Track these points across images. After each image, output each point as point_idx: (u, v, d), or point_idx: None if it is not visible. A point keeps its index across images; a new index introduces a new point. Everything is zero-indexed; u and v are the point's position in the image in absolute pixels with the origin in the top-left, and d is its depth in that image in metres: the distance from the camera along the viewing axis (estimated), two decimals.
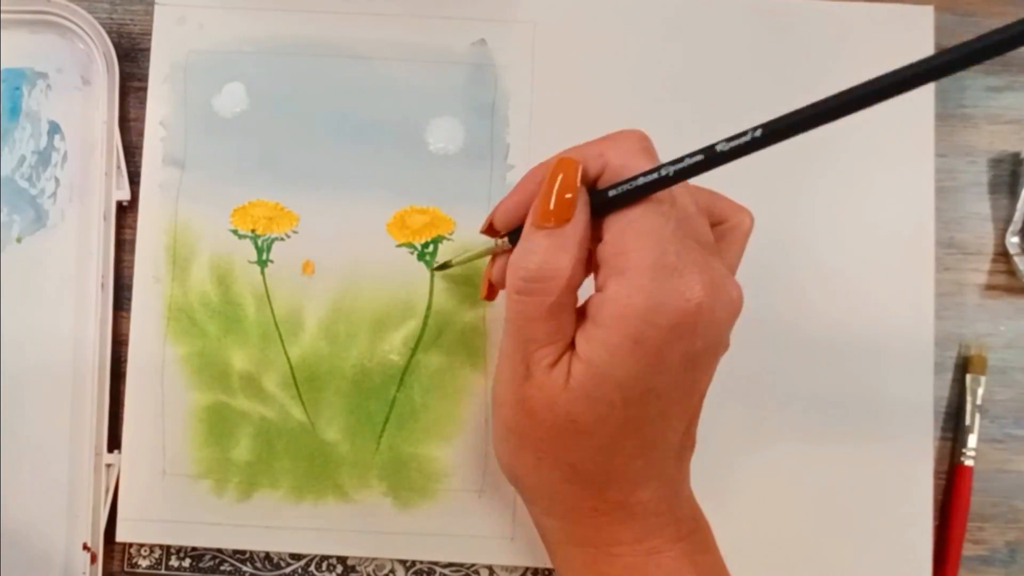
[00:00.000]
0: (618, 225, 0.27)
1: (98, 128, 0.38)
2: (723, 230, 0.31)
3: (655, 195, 0.26)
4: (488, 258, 0.33)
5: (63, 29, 0.38)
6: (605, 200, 0.27)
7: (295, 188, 0.38)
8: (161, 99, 0.38)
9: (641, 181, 0.26)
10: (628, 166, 0.27)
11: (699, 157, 0.24)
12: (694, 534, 0.30)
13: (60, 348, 0.37)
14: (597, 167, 0.27)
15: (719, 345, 0.28)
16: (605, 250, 0.27)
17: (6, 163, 0.38)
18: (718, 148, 0.24)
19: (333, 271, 0.38)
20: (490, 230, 0.32)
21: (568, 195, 0.27)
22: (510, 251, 0.29)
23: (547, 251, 0.27)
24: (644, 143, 0.28)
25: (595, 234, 0.28)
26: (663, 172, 0.25)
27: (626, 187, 0.26)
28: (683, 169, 0.25)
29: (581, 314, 0.28)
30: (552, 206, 0.27)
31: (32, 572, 0.36)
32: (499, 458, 0.31)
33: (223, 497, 0.37)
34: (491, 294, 0.34)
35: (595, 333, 0.26)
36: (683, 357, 0.26)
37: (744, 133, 0.23)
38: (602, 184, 0.27)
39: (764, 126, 0.23)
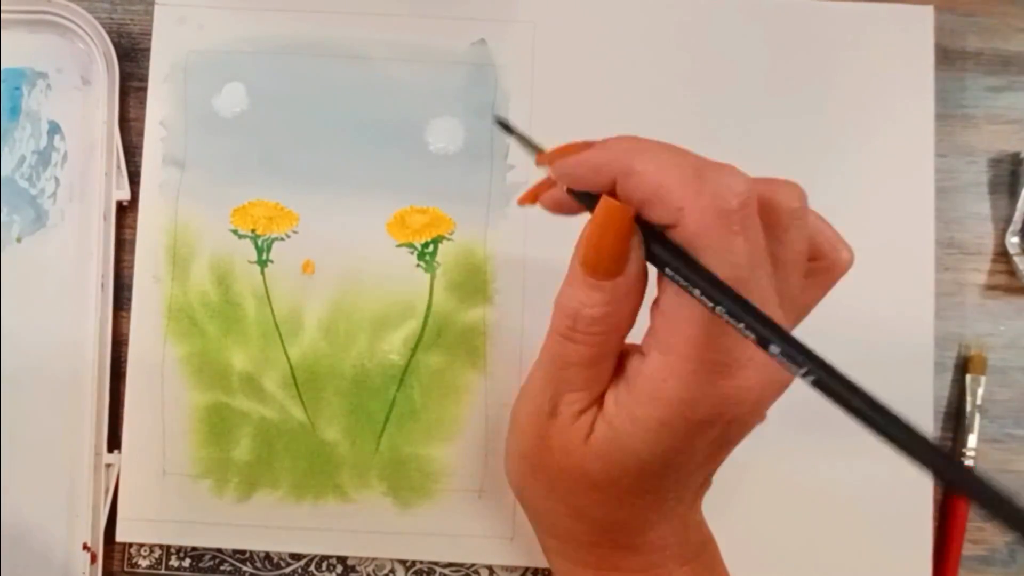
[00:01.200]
0: (674, 299, 0.24)
1: (98, 128, 0.38)
2: (814, 268, 0.27)
3: None
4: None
5: (63, 29, 0.38)
6: (663, 259, 0.24)
7: (295, 188, 0.38)
8: (161, 99, 0.38)
9: (697, 294, 0.23)
10: (704, 238, 0.23)
11: (752, 335, 0.22)
12: (700, 556, 0.29)
13: (60, 348, 0.37)
14: (668, 217, 0.23)
15: (755, 423, 0.27)
16: (657, 315, 0.25)
17: (6, 163, 0.38)
18: (771, 349, 0.22)
19: (333, 271, 0.38)
20: (544, 159, 0.27)
21: (617, 251, 0.24)
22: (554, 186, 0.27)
23: (597, 304, 0.25)
24: (736, 201, 0.23)
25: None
26: (717, 304, 0.22)
27: (683, 279, 0.23)
28: (734, 315, 0.22)
29: (620, 366, 0.26)
30: (599, 260, 0.24)
31: (32, 572, 0.36)
32: (508, 472, 0.30)
33: (223, 497, 0.37)
34: (529, 200, 0.29)
35: (625, 399, 0.25)
36: (712, 441, 0.25)
37: (800, 364, 0.21)
38: (671, 233, 0.24)
39: (816, 375, 0.21)
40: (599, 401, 0.26)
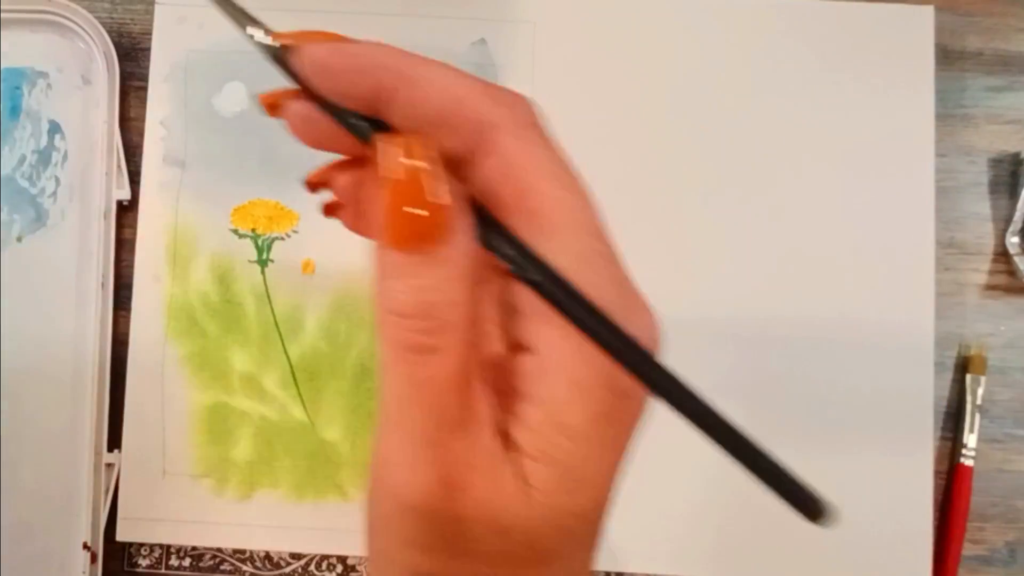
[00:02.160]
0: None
1: (98, 128, 0.38)
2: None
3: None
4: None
5: (64, 29, 0.38)
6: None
7: (295, 188, 0.38)
8: (161, 99, 0.38)
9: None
10: (532, 162, 0.17)
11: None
12: None
13: (60, 348, 0.37)
14: (474, 141, 0.18)
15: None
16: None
17: (6, 163, 0.38)
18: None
19: (333, 271, 0.38)
20: (285, 39, 0.21)
21: (435, 194, 0.17)
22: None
23: (442, 281, 0.17)
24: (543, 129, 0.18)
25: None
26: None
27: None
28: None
29: (502, 394, 0.18)
30: (414, 219, 0.17)
31: (32, 572, 0.36)
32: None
33: (223, 497, 0.37)
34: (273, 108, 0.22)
35: (538, 416, 0.17)
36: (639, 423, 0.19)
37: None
38: (478, 170, 0.18)
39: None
40: (505, 449, 0.18)
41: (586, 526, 0.18)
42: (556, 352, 0.17)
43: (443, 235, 0.17)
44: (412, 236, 0.17)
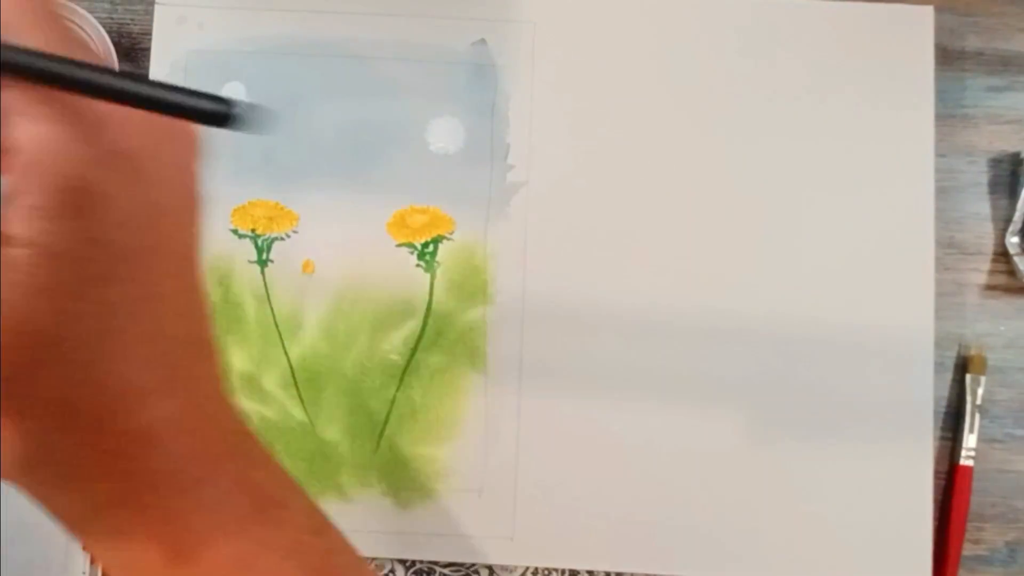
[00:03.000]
0: None
1: None
2: None
3: None
4: None
5: None
6: None
7: (295, 188, 0.38)
8: None
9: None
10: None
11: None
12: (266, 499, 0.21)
13: None
14: None
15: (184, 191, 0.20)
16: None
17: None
18: None
19: (333, 271, 0.38)
20: None
21: None
22: None
23: None
24: None
25: None
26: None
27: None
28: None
29: None
30: None
31: (32, 572, 0.36)
32: None
33: None
34: None
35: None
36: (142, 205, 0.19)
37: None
38: None
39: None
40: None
41: (77, 302, 0.18)
42: (31, 145, 0.17)
43: None
44: None
